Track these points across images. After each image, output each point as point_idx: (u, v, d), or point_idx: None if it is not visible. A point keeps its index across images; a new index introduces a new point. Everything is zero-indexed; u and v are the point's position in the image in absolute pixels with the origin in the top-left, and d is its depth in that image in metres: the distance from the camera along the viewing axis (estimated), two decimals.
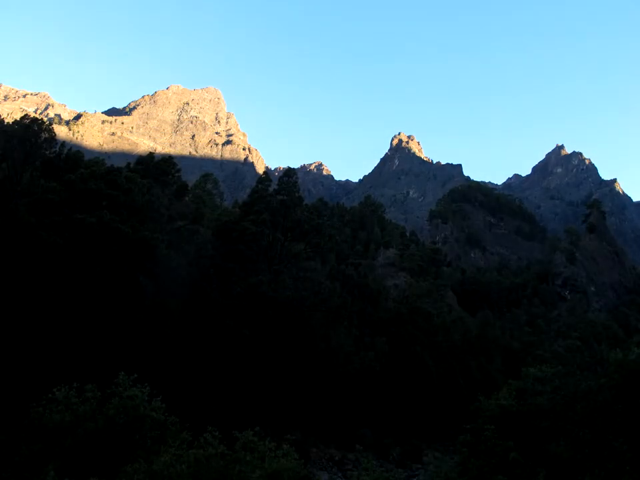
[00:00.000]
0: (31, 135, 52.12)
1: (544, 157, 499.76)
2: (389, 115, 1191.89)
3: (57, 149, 57.08)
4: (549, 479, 19.41)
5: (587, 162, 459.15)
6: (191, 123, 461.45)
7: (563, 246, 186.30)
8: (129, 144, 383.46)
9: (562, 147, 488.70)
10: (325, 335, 57.46)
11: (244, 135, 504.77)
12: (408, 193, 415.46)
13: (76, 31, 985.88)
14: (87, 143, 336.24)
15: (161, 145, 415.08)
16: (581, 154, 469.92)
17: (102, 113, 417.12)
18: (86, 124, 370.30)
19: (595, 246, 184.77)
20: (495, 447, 20.63)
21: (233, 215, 79.80)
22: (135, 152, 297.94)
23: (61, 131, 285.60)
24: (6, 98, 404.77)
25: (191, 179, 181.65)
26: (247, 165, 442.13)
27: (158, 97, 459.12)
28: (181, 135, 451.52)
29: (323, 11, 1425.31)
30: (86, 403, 18.12)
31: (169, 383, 33.71)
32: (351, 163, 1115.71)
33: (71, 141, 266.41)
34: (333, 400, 52.07)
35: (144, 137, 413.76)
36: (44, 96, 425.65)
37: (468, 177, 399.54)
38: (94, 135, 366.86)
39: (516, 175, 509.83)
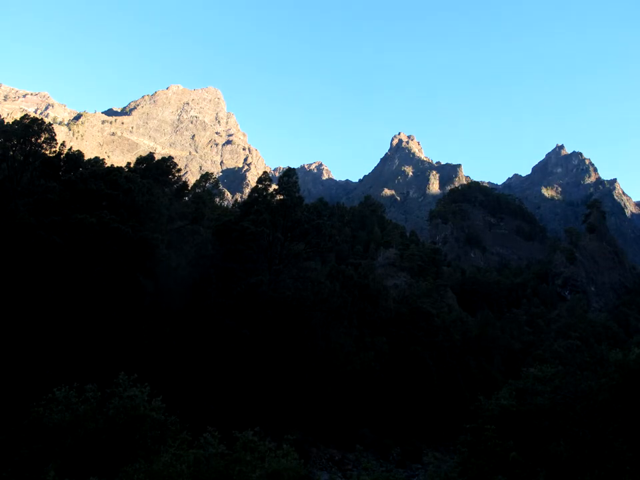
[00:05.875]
0: (30, 134, 52.15)
1: (544, 156, 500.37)
2: (389, 115, 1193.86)
3: (57, 148, 57.05)
4: (548, 479, 19.40)
5: (586, 162, 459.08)
6: (191, 123, 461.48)
7: (563, 246, 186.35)
8: (129, 144, 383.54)
9: (562, 147, 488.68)
10: (325, 335, 57.44)
11: (244, 134, 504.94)
12: (408, 192, 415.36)
13: (76, 31, 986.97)
14: (87, 142, 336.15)
15: (161, 145, 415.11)
16: (581, 154, 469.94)
17: (102, 112, 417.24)
18: (86, 124, 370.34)
19: (595, 246, 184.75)
20: (495, 447, 20.57)
21: (233, 214, 79.81)
22: (135, 152, 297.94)
23: (60, 131, 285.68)
24: (6, 98, 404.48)
25: (190, 179, 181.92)
26: (247, 165, 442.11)
27: (158, 97, 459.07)
28: (181, 135, 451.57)
29: (323, 11, 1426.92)
30: (86, 403, 18.07)
31: (169, 382, 33.72)
32: (351, 163, 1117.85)
33: (70, 141, 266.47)
34: (332, 400, 52.05)
35: (144, 137, 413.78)
36: (44, 96, 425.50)
37: (468, 177, 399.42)
38: (94, 135, 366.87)
39: (516, 175, 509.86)
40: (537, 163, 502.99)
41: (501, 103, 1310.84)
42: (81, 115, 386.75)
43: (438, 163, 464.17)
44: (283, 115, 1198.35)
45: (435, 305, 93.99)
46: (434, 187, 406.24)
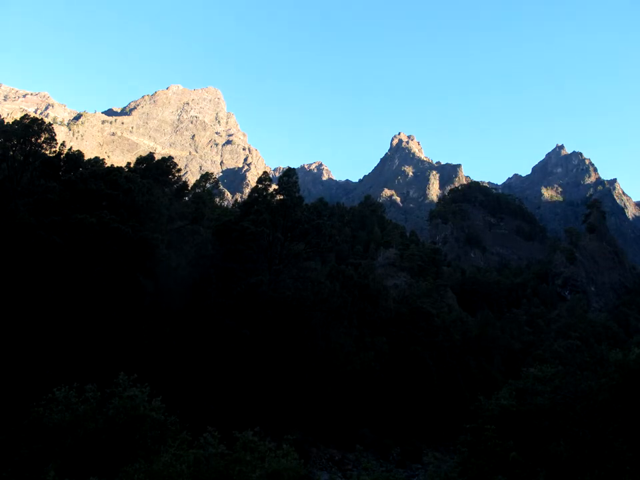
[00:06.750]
0: (30, 134, 52.14)
1: (544, 157, 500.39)
2: (389, 115, 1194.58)
3: (57, 148, 57.03)
4: (548, 479, 19.39)
5: (586, 162, 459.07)
6: (191, 123, 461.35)
7: (563, 246, 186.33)
8: (129, 144, 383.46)
9: (562, 147, 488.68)
10: (325, 335, 57.42)
11: (244, 134, 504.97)
12: (408, 192, 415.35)
13: (76, 31, 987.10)
14: (87, 142, 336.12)
15: (161, 145, 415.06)
16: (581, 154, 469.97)
17: (102, 113, 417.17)
18: (86, 124, 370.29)
19: (595, 246, 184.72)
20: (495, 447, 20.54)
21: (233, 214, 79.79)
22: (135, 152, 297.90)
23: (60, 131, 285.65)
24: (6, 98, 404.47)
25: (190, 179, 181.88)
26: (247, 165, 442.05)
27: (158, 97, 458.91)
28: (181, 135, 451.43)
29: (323, 11, 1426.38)
30: (86, 403, 18.05)
31: (169, 382, 33.72)
32: (351, 163, 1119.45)
33: (71, 141, 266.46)
34: (332, 400, 52.04)
35: (144, 137, 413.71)
36: (44, 96, 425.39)
37: (468, 177, 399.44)
38: (94, 135, 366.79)
39: (516, 175, 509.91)
40: (537, 163, 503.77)
41: (501, 103, 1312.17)
42: (81, 115, 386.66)
43: (438, 163, 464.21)
44: (283, 115, 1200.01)
45: (435, 305, 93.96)
46: (434, 187, 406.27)
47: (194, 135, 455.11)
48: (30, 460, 16.77)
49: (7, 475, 16.52)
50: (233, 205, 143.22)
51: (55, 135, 56.01)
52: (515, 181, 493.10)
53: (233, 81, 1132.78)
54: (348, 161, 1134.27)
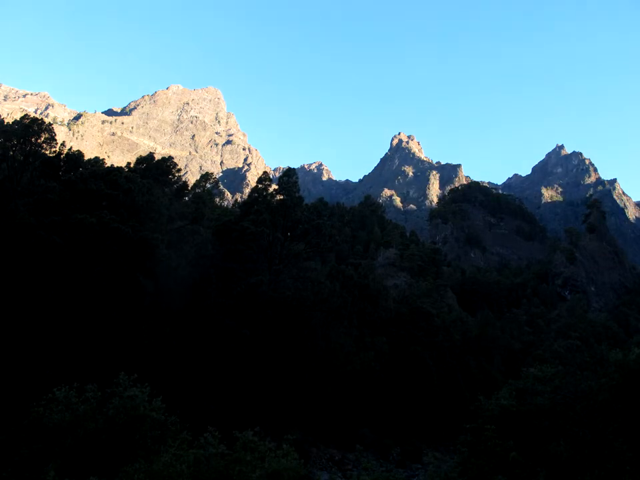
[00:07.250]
0: (30, 134, 52.15)
1: (544, 156, 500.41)
2: (389, 115, 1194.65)
3: (57, 148, 57.04)
4: (548, 479, 19.39)
5: (586, 162, 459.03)
6: (191, 123, 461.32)
7: (563, 246, 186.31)
8: (129, 144, 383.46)
9: (562, 147, 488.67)
10: (325, 335, 57.43)
11: (244, 134, 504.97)
12: (408, 192, 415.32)
13: (76, 31, 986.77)
14: (87, 142, 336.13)
15: (161, 145, 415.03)
16: (581, 154, 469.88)
17: (102, 113, 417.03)
18: (86, 124, 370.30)
19: (595, 246, 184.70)
20: (495, 447, 20.54)
21: (233, 214, 79.84)
22: (135, 152, 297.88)
23: (60, 131, 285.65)
24: (6, 98, 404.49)
25: (190, 179, 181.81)
26: (247, 165, 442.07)
27: (158, 97, 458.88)
28: (181, 135, 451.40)
29: (323, 11, 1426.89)
30: (86, 403, 18.04)
31: (169, 382, 33.72)
32: (351, 163, 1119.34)
33: (71, 141, 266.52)
34: (332, 400, 52.04)
35: (144, 137, 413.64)
36: (44, 96, 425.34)
37: (468, 177, 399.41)
38: (94, 135, 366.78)
39: (516, 175, 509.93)
40: (537, 163, 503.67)
41: (501, 103, 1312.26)
42: (81, 115, 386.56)
43: (438, 163, 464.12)
44: (284, 115, 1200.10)
45: (435, 305, 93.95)
46: (434, 187, 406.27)
47: (194, 135, 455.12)
48: (30, 460, 16.77)
49: (6, 475, 16.52)
50: (233, 205, 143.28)
51: (55, 135, 56.02)
52: (515, 181, 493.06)
53: (232, 81, 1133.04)
54: (348, 161, 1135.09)
